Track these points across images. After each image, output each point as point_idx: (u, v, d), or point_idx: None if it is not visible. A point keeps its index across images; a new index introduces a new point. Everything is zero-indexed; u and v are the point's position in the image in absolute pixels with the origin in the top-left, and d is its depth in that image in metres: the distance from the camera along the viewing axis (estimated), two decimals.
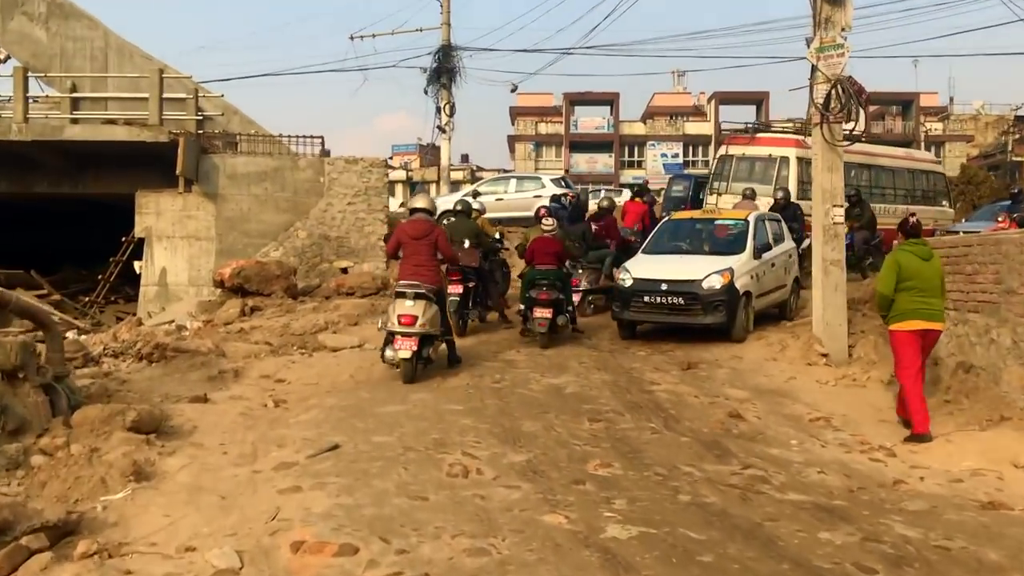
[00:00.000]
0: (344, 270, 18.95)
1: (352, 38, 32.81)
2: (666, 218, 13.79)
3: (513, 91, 29.90)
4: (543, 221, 12.31)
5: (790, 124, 24.57)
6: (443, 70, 32.24)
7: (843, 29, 10.19)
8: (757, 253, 12.13)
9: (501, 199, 23.03)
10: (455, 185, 51.21)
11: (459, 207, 13.94)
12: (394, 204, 33.76)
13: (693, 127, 63.57)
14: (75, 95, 19.96)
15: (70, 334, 17.12)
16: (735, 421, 7.53)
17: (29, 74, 19.30)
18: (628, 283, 11.54)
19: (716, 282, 11.17)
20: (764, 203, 15.27)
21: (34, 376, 6.16)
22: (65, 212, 24.97)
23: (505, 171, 65.88)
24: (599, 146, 63.11)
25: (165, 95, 19.44)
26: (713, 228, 13.00)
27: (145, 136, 18.68)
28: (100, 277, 20.06)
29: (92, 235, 22.55)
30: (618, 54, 49.56)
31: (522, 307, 11.50)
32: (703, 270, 11.39)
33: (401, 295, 8.84)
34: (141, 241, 19.43)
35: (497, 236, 14.69)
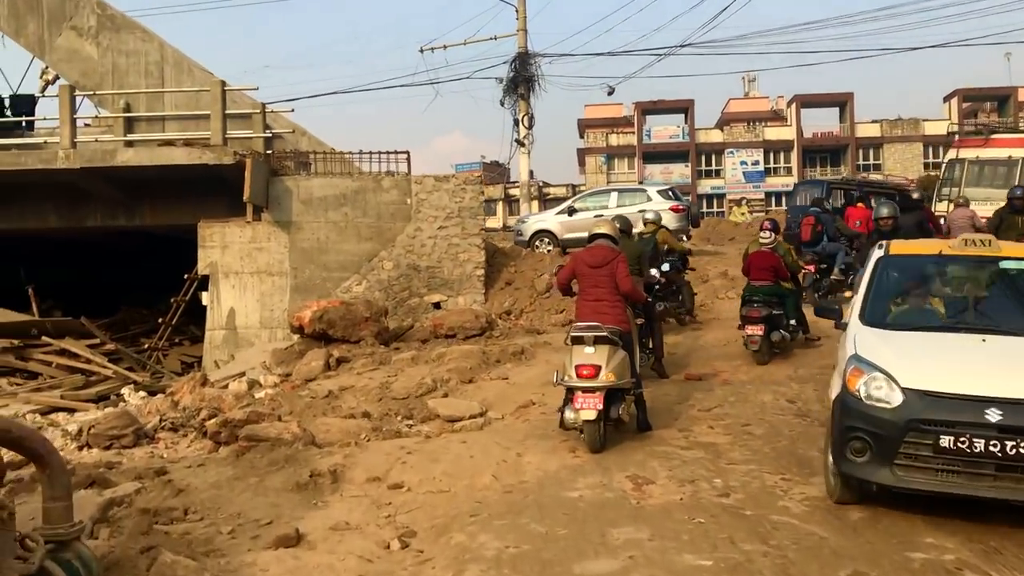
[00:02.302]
0: (437, 305, 16.30)
1: (422, 51, 30.73)
2: (878, 252, 7.07)
3: (610, 94, 27.43)
4: (761, 234, 11.30)
5: None
6: (521, 79, 29.87)
7: None
8: None
9: (601, 215, 20.19)
10: (557, 202, 48.85)
11: (618, 225, 11.38)
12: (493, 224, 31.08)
13: (773, 132, 60.62)
14: (129, 114, 17.70)
15: (125, 391, 14.76)
16: None
17: (76, 93, 17.10)
18: (894, 402, 5.28)
19: None
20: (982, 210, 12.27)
21: (10, 567, 3.40)
22: (123, 247, 22.87)
23: (575, 187, 63.63)
24: (674, 156, 60.59)
25: (228, 111, 17.10)
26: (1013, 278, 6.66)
27: (207, 158, 16.32)
28: (161, 320, 17.71)
29: (155, 270, 20.34)
30: (710, 53, 46.33)
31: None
32: None
33: (578, 341, 7.26)
34: (206, 279, 17.08)
35: (686, 250, 13.98)
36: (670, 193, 21.07)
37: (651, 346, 10.03)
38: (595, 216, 20.26)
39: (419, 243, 16.62)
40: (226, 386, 13.02)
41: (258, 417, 8.91)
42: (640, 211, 20.04)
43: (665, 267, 11.81)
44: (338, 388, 10.48)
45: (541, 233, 20.47)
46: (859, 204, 17.95)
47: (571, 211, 20.38)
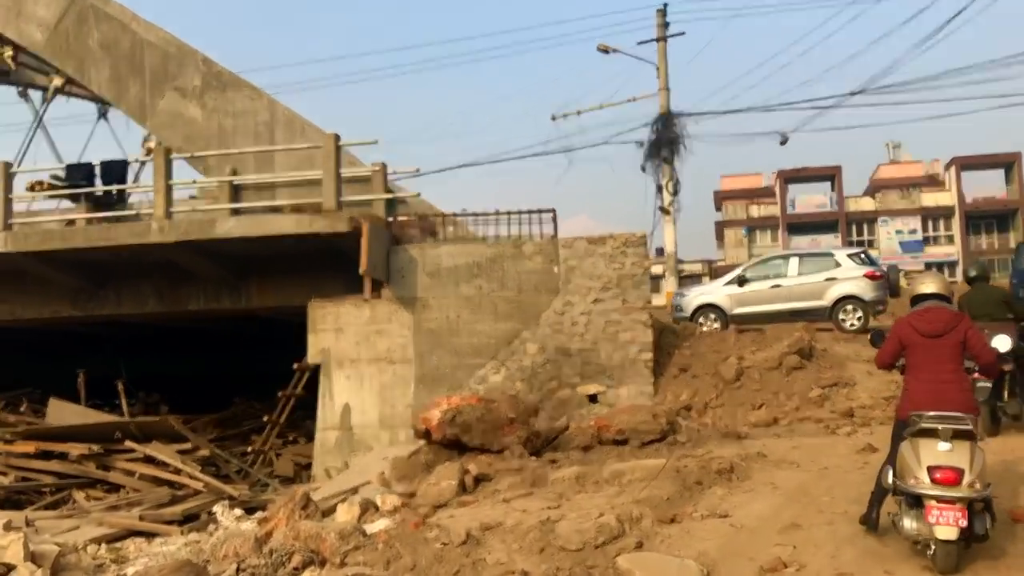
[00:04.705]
0: (593, 398, 13.08)
1: (554, 118, 28.29)
2: None
3: (783, 143, 23.87)
4: None
5: None
6: (664, 141, 27.00)
7: None
8: None
9: (779, 286, 16.73)
10: (692, 278, 45.25)
11: (974, 272, 10.06)
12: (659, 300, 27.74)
13: (930, 198, 56.03)
14: (235, 178, 15.49)
15: (218, 508, 11.98)
16: None
17: (173, 156, 14.99)
18: None
19: None
20: None
21: None
22: (237, 331, 20.72)
23: (711, 262, 59.99)
24: (821, 227, 56.83)
25: (344, 173, 14.66)
26: None
27: (318, 226, 13.81)
28: (266, 419, 15.08)
29: (274, 357, 18.00)
30: (882, 104, 42.65)
31: None
32: None
33: (929, 433, 5.81)
34: (317, 369, 14.43)
35: None
36: (862, 257, 17.42)
37: None
38: (772, 287, 16.87)
39: (569, 320, 13.49)
40: (334, 509, 10.11)
41: None
42: (827, 279, 16.60)
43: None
44: (479, 527, 7.29)
45: (705, 308, 17.15)
46: None
47: (742, 281, 17.03)
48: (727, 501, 7.48)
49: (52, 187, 16.39)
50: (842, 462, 8.75)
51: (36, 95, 21.52)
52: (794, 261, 17.44)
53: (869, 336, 6.94)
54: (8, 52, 17.84)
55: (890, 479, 5.98)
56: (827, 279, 16.48)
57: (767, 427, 11.33)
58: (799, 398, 12.24)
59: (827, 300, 16.22)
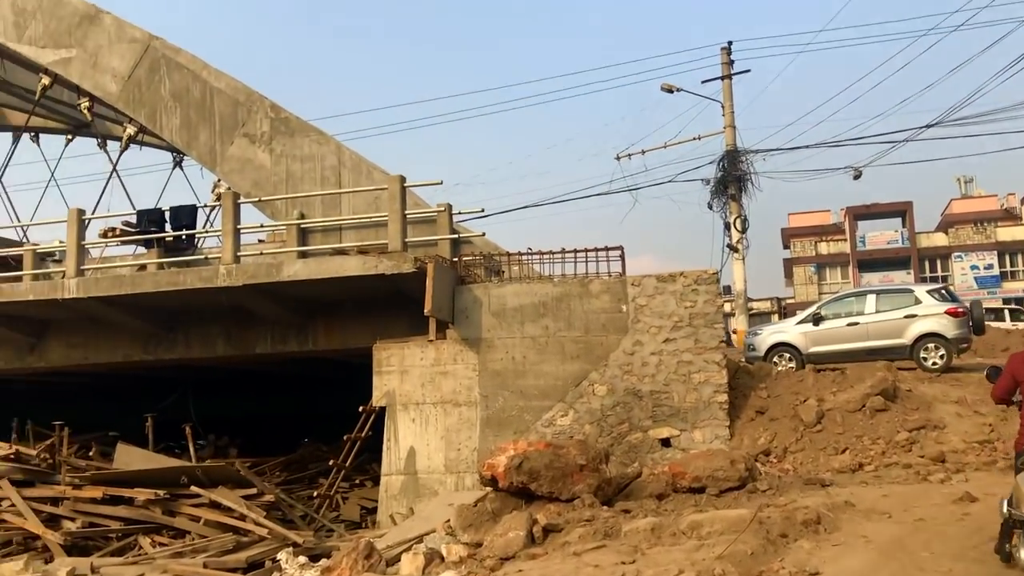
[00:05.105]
0: (666, 442, 12.61)
1: (618, 158, 27.99)
2: None
3: (856, 178, 23.16)
4: None
5: None
6: (731, 178, 26.51)
7: None
8: None
9: (856, 324, 16.05)
10: (760, 317, 44.26)
11: None
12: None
13: (1006, 232, 54.16)
14: (300, 222, 15.53)
15: (282, 555, 11.76)
16: None
17: (241, 200, 15.11)
18: None
19: None
20: None
21: None
22: (304, 374, 20.71)
23: (779, 300, 58.70)
24: (893, 263, 55.25)
25: (409, 213, 14.59)
26: None
27: (384, 267, 13.70)
28: (332, 462, 14.90)
29: (341, 399, 17.87)
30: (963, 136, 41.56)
31: None
32: None
33: None
34: (383, 411, 14.24)
35: None
36: (943, 293, 16.66)
37: None
38: (849, 325, 16.23)
39: (639, 361, 13.09)
40: (398, 558, 9.83)
41: None
42: (907, 316, 15.91)
43: None
44: None
45: (779, 347, 16.54)
46: None
47: (817, 319, 16.40)
48: (816, 556, 7.00)
49: (124, 233, 16.65)
50: (938, 513, 8.17)
51: (114, 146, 22.16)
52: (871, 298, 16.74)
53: (985, 372, 6.97)
54: (85, 103, 18.32)
55: (1005, 509, 5.98)
56: (907, 316, 15.78)
57: (852, 473, 10.74)
58: (885, 442, 11.61)
59: (908, 338, 15.52)
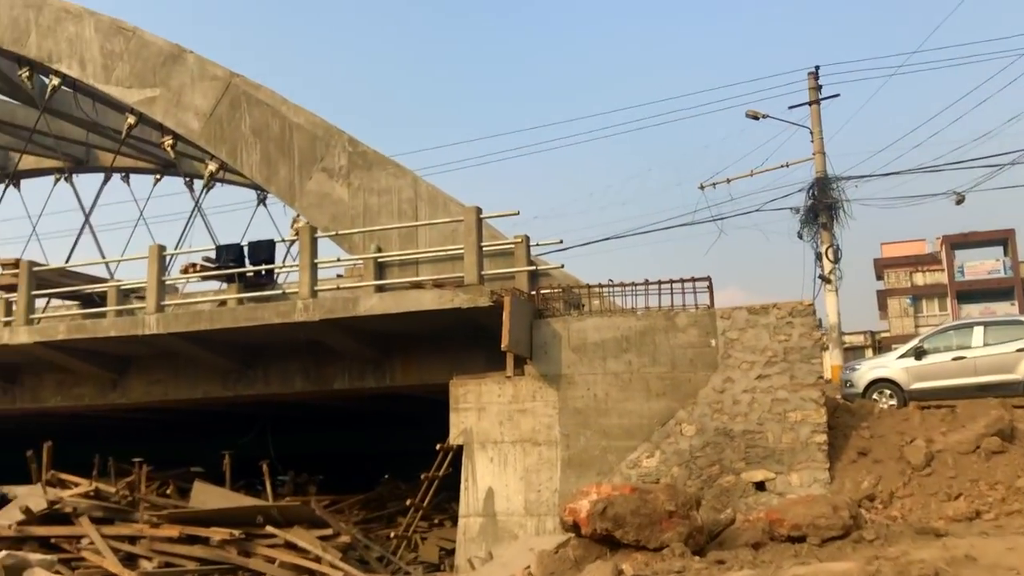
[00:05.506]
0: (760, 485, 11.81)
1: (702, 187, 27.28)
2: None
3: (959, 203, 21.96)
4: None
5: None
6: (821, 207, 25.51)
7: None
8: None
9: (963, 357, 14.99)
10: (853, 351, 42.63)
11: None
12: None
13: None
14: (376, 255, 15.32)
15: None
16: None
17: (318, 235, 14.99)
18: None
19: None
20: None
21: None
22: (378, 409, 20.47)
23: (874, 333, 56.42)
24: (995, 294, 52.74)
25: (485, 246, 14.22)
26: None
27: (459, 301, 13.34)
28: (409, 502, 14.50)
29: (415, 434, 17.57)
30: None
31: None
32: None
33: None
34: (460, 449, 13.79)
35: None
36: None
37: None
38: (954, 359, 15.17)
39: (730, 399, 12.35)
40: None
41: None
42: (1019, 349, 14.80)
43: None
44: None
45: (879, 383, 15.58)
46: None
47: (919, 353, 15.39)
48: None
49: (204, 268, 16.72)
50: None
51: (198, 184, 22.52)
52: (978, 331, 15.65)
53: None
54: (168, 141, 18.58)
55: None
56: (1018, 349, 14.72)
57: (969, 522, 9.82)
58: (1004, 487, 10.61)
59: (1020, 373, 14.48)
